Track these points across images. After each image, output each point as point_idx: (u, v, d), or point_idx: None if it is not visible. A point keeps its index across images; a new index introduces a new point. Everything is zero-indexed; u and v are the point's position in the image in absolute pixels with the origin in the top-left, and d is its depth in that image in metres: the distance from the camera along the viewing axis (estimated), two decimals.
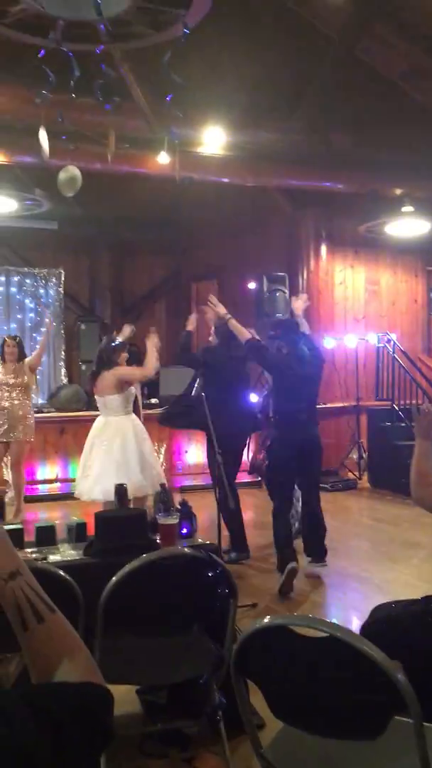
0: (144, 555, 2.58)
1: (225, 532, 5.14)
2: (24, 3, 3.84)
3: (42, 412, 9.19)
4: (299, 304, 5.95)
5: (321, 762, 2.04)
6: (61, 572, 2.55)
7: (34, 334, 11.52)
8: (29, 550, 3.18)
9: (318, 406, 9.31)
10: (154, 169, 7.42)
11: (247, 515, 6.84)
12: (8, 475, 7.31)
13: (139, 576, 2.54)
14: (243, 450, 6.15)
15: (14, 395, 6.90)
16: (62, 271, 11.61)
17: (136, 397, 5.89)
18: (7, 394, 6.86)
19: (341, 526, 7.04)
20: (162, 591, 2.63)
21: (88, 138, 6.71)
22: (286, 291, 9.45)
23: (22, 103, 6.66)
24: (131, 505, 5.31)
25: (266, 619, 1.90)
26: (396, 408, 9.07)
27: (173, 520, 3.21)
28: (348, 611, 4.83)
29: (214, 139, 7.27)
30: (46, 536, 3.27)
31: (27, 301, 11.53)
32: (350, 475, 9.36)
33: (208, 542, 3.44)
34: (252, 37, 6.93)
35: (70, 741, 0.87)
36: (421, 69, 7.67)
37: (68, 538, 3.33)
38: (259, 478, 7.98)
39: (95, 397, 5.77)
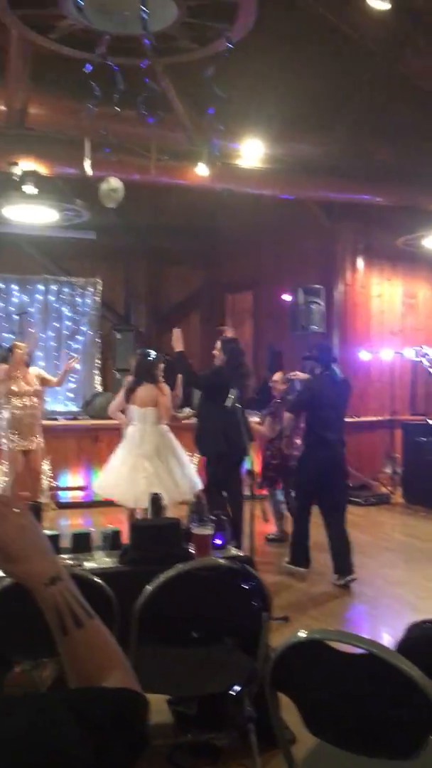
0: (179, 565, 2.59)
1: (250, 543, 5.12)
2: (71, 18, 3.92)
3: (76, 419, 9.29)
4: None
5: None
6: (97, 579, 2.57)
7: (69, 342, 11.66)
8: (65, 556, 3.21)
9: (352, 420, 9.29)
10: (193, 181, 7.49)
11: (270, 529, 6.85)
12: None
13: (174, 586, 2.55)
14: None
15: (29, 402, 6.76)
16: (99, 280, 11.73)
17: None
18: (22, 402, 6.71)
19: (373, 540, 6.96)
20: (195, 602, 2.64)
21: (127, 149, 6.80)
22: (322, 303, 9.43)
23: (64, 115, 6.79)
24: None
25: (303, 634, 1.89)
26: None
27: (208, 530, 3.21)
28: (379, 627, 4.78)
29: (252, 152, 7.31)
30: (82, 543, 3.31)
31: (64, 309, 11.67)
32: (383, 490, 9.26)
33: (242, 554, 3.44)
34: (292, 49, 6.96)
35: (110, 746, 0.88)
36: None
37: (103, 545, 3.36)
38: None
39: (131, 407, 5.81)
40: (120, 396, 6.10)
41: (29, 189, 7.46)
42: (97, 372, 11.58)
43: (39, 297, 11.56)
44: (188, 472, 5.83)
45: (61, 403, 11.18)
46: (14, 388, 6.62)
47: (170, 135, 6.95)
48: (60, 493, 8.36)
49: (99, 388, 11.23)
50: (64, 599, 1.04)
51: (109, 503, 7.50)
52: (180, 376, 6.43)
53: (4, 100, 6.42)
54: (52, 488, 8.02)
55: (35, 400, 6.76)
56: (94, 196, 7.24)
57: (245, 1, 3.86)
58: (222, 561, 2.75)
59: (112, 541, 3.31)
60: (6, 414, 6.60)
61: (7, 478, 6.87)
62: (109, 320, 11.97)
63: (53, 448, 8.06)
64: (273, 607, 2.88)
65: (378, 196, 8.65)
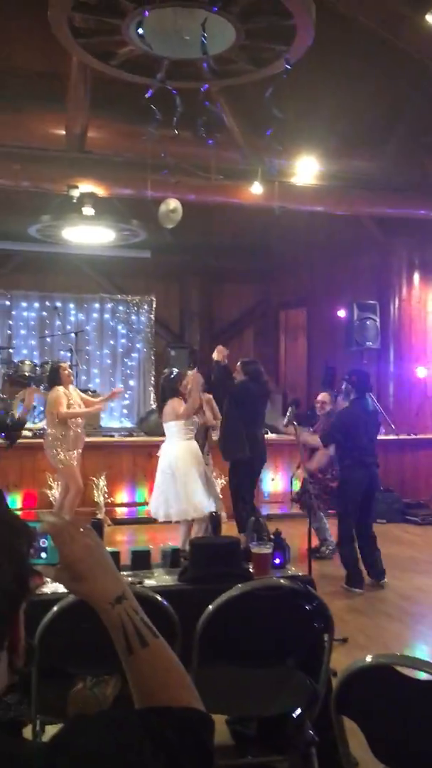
0: (240, 585, 2.59)
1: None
2: (132, 44, 4.01)
3: (132, 436, 9.39)
4: None
5: None
6: (159, 597, 2.58)
7: (125, 359, 11.82)
8: (125, 573, 3.24)
9: (409, 437, 9.15)
10: (248, 200, 7.54)
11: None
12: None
13: (235, 605, 2.55)
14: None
15: (79, 420, 6.85)
16: (153, 298, 11.89)
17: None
18: (74, 421, 6.76)
19: (430, 560, 6.82)
20: (257, 622, 2.63)
21: (183, 170, 6.90)
22: (377, 319, 9.35)
23: (122, 138, 6.94)
24: (183, 528, 5.97)
25: (369, 658, 1.87)
26: None
27: (267, 549, 3.19)
28: None
29: (307, 169, 7.32)
30: (142, 560, 3.33)
31: (119, 327, 11.85)
32: None
33: (300, 573, 3.40)
34: (346, 66, 6.97)
35: (182, 763, 0.90)
36: None
37: (162, 563, 3.37)
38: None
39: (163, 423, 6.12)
40: None
41: (87, 210, 7.64)
42: (151, 389, 11.69)
43: (95, 315, 11.78)
44: (205, 490, 5.90)
45: (116, 420, 11.33)
46: (75, 407, 6.73)
47: (224, 154, 7.02)
48: (116, 509, 8.43)
49: (153, 405, 11.33)
50: (130, 619, 1.05)
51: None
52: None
53: (65, 124, 6.60)
54: (107, 504, 8.10)
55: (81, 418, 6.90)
56: (149, 215, 7.36)
57: (303, 22, 3.89)
58: (284, 581, 2.73)
59: (171, 558, 3.33)
60: (71, 433, 6.67)
61: (62, 495, 6.96)
62: (164, 338, 12.10)
63: (108, 465, 8.16)
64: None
65: None
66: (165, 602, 2.56)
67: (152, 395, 11.61)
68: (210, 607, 2.55)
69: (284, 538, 3.40)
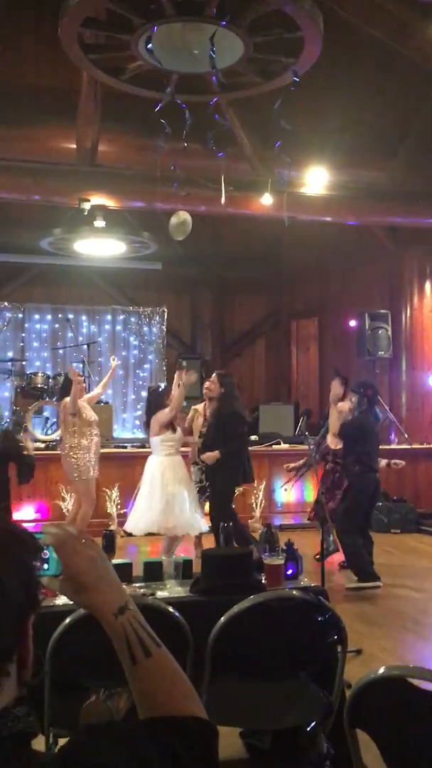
0: (252, 596, 2.58)
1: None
2: (141, 59, 4.05)
3: (144, 447, 9.38)
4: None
5: None
6: (171, 609, 2.58)
7: (137, 371, 11.86)
8: (137, 584, 3.23)
9: (422, 447, 9.11)
10: (258, 211, 7.56)
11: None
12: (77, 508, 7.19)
13: (248, 617, 2.54)
14: None
15: (95, 432, 6.83)
16: (165, 310, 11.93)
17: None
18: (95, 430, 6.77)
19: None
20: (269, 633, 2.61)
21: (193, 182, 6.94)
22: (389, 328, 9.33)
23: (132, 151, 7.00)
24: (165, 542, 5.99)
25: (382, 670, 1.85)
26: None
27: (279, 560, 3.18)
28: None
29: (317, 180, 7.34)
30: (154, 572, 3.33)
31: (131, 338, 11.90)
32: None
33: (313, 584, 3.39)
34: (355, 77, 7.00)
35: None
36: None
37: (174, 574, 3.37)
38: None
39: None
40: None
41: (98, 223, 7.69)
42: None
43: (107, 327, 11.84)
44: (192, 508, 5.90)
45: (128, 431, 11.35)
46: (91, 417, 6.73)
47: (234, 166, 7.06)
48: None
49: None
50: (133, 629, 1.05)
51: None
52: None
53: (76, 138, 6.66)
54: (120, 515, 8.10)
55: (96, 428, 6.87)
56: (160, 227, 7.40)
57: (311, 35, 3.92)
58: (296, 593, 2.72)
59: (183, 569, 3.32)
60: (87, 443, 6.66)
61: (75, 507, 6.96)
62: (176, 348, 12.13)
63: (121, 476, 8.17)
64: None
65: None
66: (177, 614, 2.55)
67: None
68: (222, 618, 2.54)
69: (296, 549, 3.39)
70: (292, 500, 9.11)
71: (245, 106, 6.44)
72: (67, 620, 2.43)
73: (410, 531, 8.33)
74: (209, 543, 5.89)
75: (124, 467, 8.24)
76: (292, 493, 9.08)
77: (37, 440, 8.94)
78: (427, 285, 9.77)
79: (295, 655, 2.70)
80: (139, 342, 11.91)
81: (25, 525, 1.12)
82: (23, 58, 6.74)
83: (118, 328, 11.88)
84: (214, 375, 6.54)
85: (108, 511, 7.94)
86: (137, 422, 11.50)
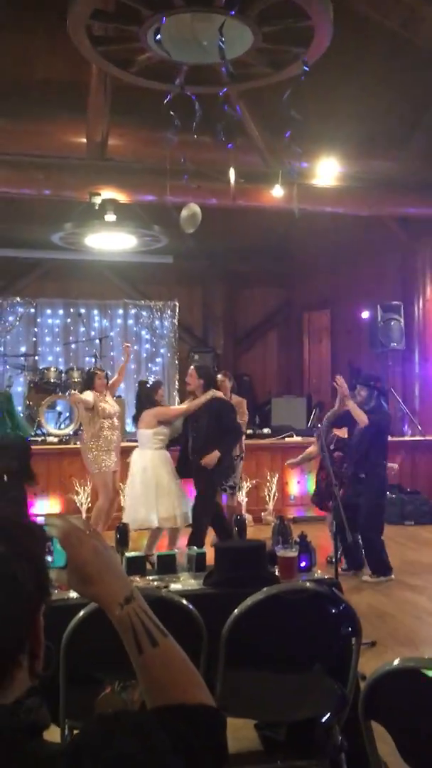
0: (266, 588, 2.58)
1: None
2: (150, 51, 4.04)
3: None
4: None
5: None
6: (185, 601, 2.58)
7: (149, 364, 11.87)
8: (150, 577, 3.24)
9: None
10: (269, 203, 7.53)
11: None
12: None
13: (261, 609, 2.54)
14: None
15: (117, 423, 6.89)
16: (177, 303, 11.92)
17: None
18: (111, 422, 6.79)
19: None
20: (283, 626, 2.61)
21: (204, 175, 6.91)
22: (401, 320, 9.28)
23: (143, 144, 6.98)
24: (169, 535, 6.01)
25: (396, 661, 1.84)
26: None
27: (292, 553, 3.18)
28: None
29: (328, 171, 7.30)
30: (167, 565, 3.33)
31: (143, 332, 11.91)
32: None
33: (326, 576, 3.38)
34: (366, 67, 6.93)
35: (200, 760, 0.92)
36: None
37: (188, 567, 3.37)
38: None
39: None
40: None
41: (109, 217, 7.69)
42: (176, 394, 11.72)
43: (119, 321, 11.85)
44: (180, 502, 5.92)
45: None
46: (110, 410, 6.78)
47: (244, 158, 7.02)
48: None
49: None
50: (139, 619, 1.06)
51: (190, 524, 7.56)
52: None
53: (86, 132, 6.65)
54: None
55: (117, 422, 6.89)
56: (171, 221, 7.38)
57: (321, 24, 3.89)
58: (310, 584, 2.71)
59: (197, 562, 3.32)
60: (104, 433, 6.72)
61: (93, 500, 7.00)
62: (187, 342, 12.12)
63: None
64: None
65: None
66: (191, 606, 2.56)
67: (177, 400, 11.64)
68: (236, 611, 2.54)
69: (310, 541, 3.38)
70: (305, 493, 9.09)
71: (255, 97, 6.40)
72: (81, 613, 2.44)
73: (424, 522, 8.30)
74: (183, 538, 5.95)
75: None
76: (306, 485, 9.07)
77: (50, 434, 8.99)
78: None
79: (309, 647, 2.69)
80: (150, 336, 11.91)
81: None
82: (32, 52, 6.73)
83: (130, 322, 11.89)
84: (191, 368, 6.44)
85: (122, 504, 7.94)
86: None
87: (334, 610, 2.56)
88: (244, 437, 7.04)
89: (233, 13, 3.53)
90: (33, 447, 8.19)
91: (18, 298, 11.33)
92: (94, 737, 0.90)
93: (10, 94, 6.56)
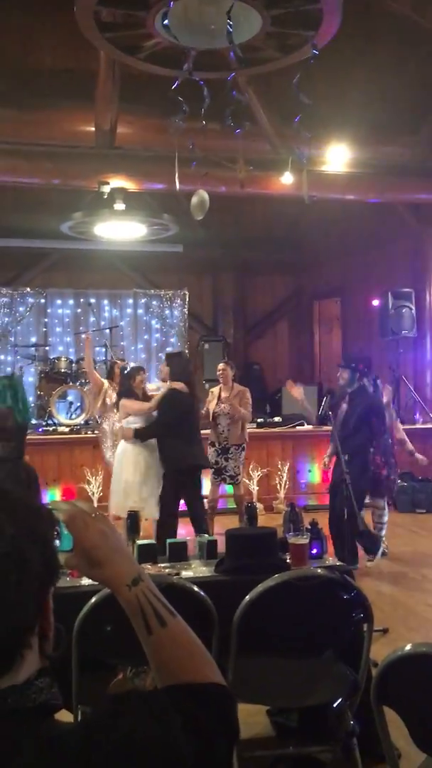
0: (277, 575, 2.58)
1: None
2: (158, 37, 4.01)
3: None
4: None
5: None
6: (196, 588, 2.59)
7: (159, 354, 11.86)
8: (162, 564, 3.25)
9: None
10: (279, 190, 7.48)
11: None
12: None
13: (272, 596, 2.54)
14: None
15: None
16: (187, 292, 11.90)
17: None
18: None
19: None
20: (295, 612, 2.61)
21: (213, 162, 6.87)
22: (413, 307, 9.21)
23: (151, 132, 6.95)
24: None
25: (408, 647, 1.84)
26: None
27: (304, 540, 3.18)
28: None
29: (338, 157, 7.24)
30: (178, 552, 3.34)
31: (153, 322, 11.90)
32: None
33: (338, 563, 3.38)
34: (376, 52, 6.86)
35: (211, 738, 0.93)
36: None
37: (199, 554, 3.38)
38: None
39: None
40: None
41: (118, 206, 7.67)
42: None
43: (129, 310, 11.84)
44: (152, 492, 5.88)
45: None
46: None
47: (253, 145, 6.97)
48: None
49: None
50: (147, 599, 1.06)
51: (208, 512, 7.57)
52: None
53: (95, 121, 6.62)
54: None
55: None
56: (181, 210, 7.35)
57: (330, 7, 3.84)
58: (321, 571, 2.71)
59: (208, 550, 3.33)
60: (115, 426, 6.74)
61: (106, 488, 7.04)
62: (197, 331, 12.11)
63: None
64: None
65: None
66: (202, 593, 2.56)
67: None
68: (247, 597, 2.55)
69: (321, 528, 3.38)
70: (314, 481, 9.09)
71: (264, 83, 6.35)
72: (93, 599, 2.45)
73: None
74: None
75: None
76: (317, 474, 9.07)
77: (61, 424, 9.02)
78: None
79: (320, 634, 2.70)
80: (161, 325, 11.90)
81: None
82: (40, 40, 6.70)
83: (140, 311, 11.88)
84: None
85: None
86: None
87: (345, 597, 2.56)
88: (247, 427, 7.01)
89: None
90: (44, 437, 8.32)
91: (28, 289, 11.34)
92: (106, 716, 0.91)
93: (18, 83, 6.54)
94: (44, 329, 11.50)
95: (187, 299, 11.90)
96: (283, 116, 6.50)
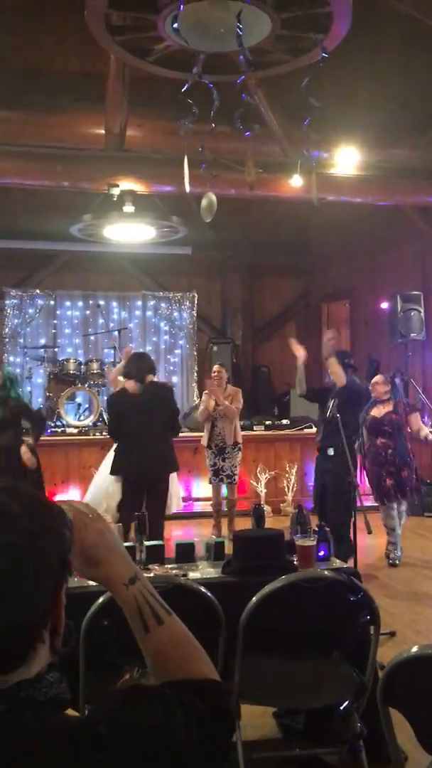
0: (284, 576, 2.58)
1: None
2: (168, 40, 4.02)
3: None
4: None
5: None
6: (203, 589, 2.59)
7: (168, 356, 11.88)
8: (169, 566, 3.26)
9: None
10: (287, 192, 7.49)
11: None
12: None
13: (280, 597, 2.54)
14: None
15: None
16: (195, 294, 11.91)
17: None
18: None
19: None
20: (302, 614, 2.61)
21: (221, 164, 6.88)
22: (422, 310, 9.19)
23: (160, 135, 6.96)
24: None
25: (415, 649, 1.84)
26: None
27: (311, 541, 3.18)
28: None
29: (347, 160, 7.24)
30: (186, 553, 3.35)
31: (162, 324, 11.92)
32: None
33: (345, 565, 3.38)
34: (385, 53, 6.85)
35: (211, 729, 0.96)
36: None
37: (206, 555, 3.39)
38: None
39: None
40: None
41: (128, 208, 7.69)
42: (195, 385, 11.73)
43: (137, 313, 11.87)
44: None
45: None
46: None
47: (262, 147, 6.97)
48: None
49: (197, 401, 11.37)
50: (144, 598, 1.08)
51: (209, 514, 7.59)
52: None
53: (104, 124, 6.65)
54: None
55: None
56: (190, 212, 7.35)
57: (340, 10, 3.85)
58: (328, 573, 2.72)
59: (215, 551, 3.34)
60: None
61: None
62: (206, 333, 12.12)
63: None
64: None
65: None
66: (209, 594, 2.57)
67: (195, 391, 11.65)
68: (254, 598, 2.55)
69: (328, 530, 3.38)
70: None
71: (273, 85, 6.35)
72: (100, 600, 2.46)
73: None
74: None
75: None
76: None
77: (70, 425, 9.05)
78: None
79: (327, 635, 2.70)
80: (169, 327, 11.92)
81: None
82: (50, 43, 6.73)
83: (149, 313, 11.90)
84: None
85: None
86: None
87: (352, 599, 2.56)
88: (239, 426, 7.15)
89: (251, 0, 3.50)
90: (53, 438, 8.33)
91: (38, 290, 11.38)
92: (112, 708, 0.93)
93: (29, 86, 6.57)
94: (53, 331, 11.54)
95: (196, 301, 11.91)
96: (292, 118, 6.50)
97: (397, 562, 6.08)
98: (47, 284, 11.52)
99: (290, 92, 5.49)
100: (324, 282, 12.15)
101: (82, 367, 9.99)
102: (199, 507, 8.31)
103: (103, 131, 6.80)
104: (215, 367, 7.23)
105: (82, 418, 9.65)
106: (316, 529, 3.36)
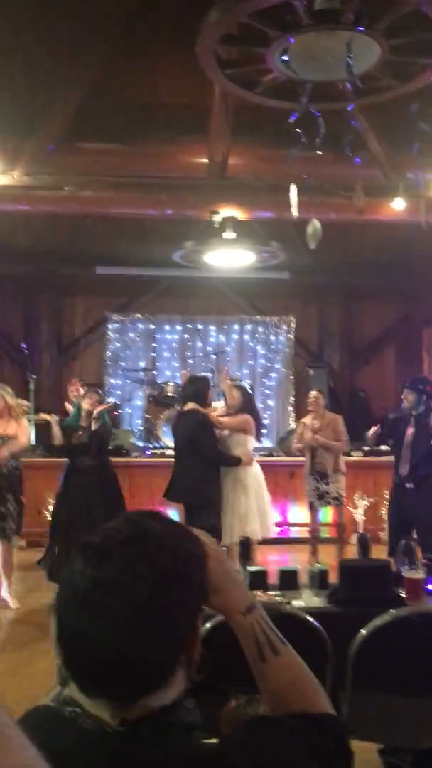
0: (394, 610, 2.52)
1: None
2: (276, 71, 4.09)
3: (271, 456, 9.41)
4: None
5: None
6: (310, 618, 2.57)
7: (264, 380, 11.90)
8: (272, 592, 3.24)
9: None
10: (390, 216, 7.40)
11: None
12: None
13: (390, 631, 2.48)
14: None
15: None
16: (292, 318, 11.91)
17: None
18: None
19: None
20: (413, 648, 2.54)
21: (324, 190, 6.89)
22: None
23: (262, 162, 7.07)
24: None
25: None
26: None
27: (420, 574, 3.09)
28: None
29: None
30: (289, 580, 3.33)
31: (258, 347, 11.97)
32: None
33: None
34: None
35: (333, 764, 0.97)
36: None
37: (310, 583, 3.35)
38: None
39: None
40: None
41: (228, 234, 7.82)
42: (290, 408, 11.68)
43: (235, 336, 11.97)
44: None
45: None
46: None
47: (363, 171, 6.93)
48: None
49: (293, 425, 11.31)
50: (261, 628, 1.09)
51: (306, 540, 7.50)
52: None
53: (207, 153, 6.81)
54: None
55: None
56: (288, 237, 7.40)
57: None
58: None
59: (320, 579, 3.30)
60: None
61: None
62: (302, 357, 12.07)
63: None
64: None
65: None
66: (316, 623, 2.54)
67: (291, 415, 11.60)
68: (363, 631, 2.51)
69: None
70: None
71: (377, 110, 6.32)
72: (207, 625, 2.48)
73: None
74: None
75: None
76: None
77: (167, 447, 9.19)
78: None
79: None
80: (266, 351, 11.95)
81: None
82: (157, 76, 6.97)
83: (246, 337, 11.98)
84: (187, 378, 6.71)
85: None
86: (264, 431, 11.53)
87: None
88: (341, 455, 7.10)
89: (361, 28, 3.52)
90: (152, 460, 8.50)
91: (138, 315, 11.70)
92: (242, 738, 0.94)
93: (138, 118, 6.82)
94: (152, 354, 11.80)
95: (293, 325, 11.90)
96: (394, 141, 6.45)
97: None
98: (148, 309, 11.82)
99: (393, 115, 5.46)
100: (425, 306, 11.87)
101: (180, 390, 10.15)
102: (295, 532, 8.23)
103: (205, 160, 6.97)
104: (312, 393, 7.19)
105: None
106: (425, 560, 3.26)
